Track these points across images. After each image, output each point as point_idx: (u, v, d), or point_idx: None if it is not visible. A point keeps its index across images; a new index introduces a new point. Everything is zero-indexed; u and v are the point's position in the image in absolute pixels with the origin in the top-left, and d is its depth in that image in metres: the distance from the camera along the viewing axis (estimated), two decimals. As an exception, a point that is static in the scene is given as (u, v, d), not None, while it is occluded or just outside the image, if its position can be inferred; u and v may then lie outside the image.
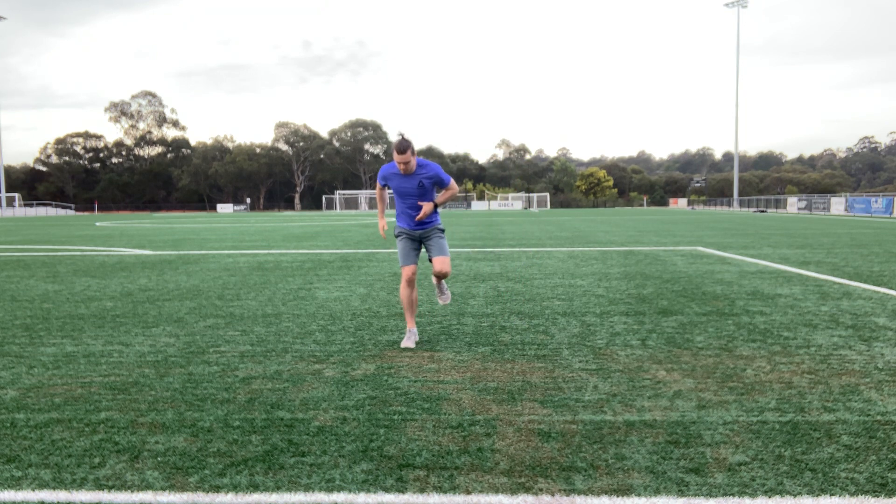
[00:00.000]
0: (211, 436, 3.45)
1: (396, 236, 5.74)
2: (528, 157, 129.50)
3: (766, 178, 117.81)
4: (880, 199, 42.96)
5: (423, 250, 5.79)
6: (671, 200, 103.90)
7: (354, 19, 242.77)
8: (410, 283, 5.61)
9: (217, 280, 9.86)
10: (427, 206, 5.48)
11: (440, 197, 5.63)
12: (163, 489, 2.85)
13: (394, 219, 5.85)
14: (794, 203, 56.86)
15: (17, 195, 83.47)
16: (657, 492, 2.79)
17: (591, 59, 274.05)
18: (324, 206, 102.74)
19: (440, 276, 5.71)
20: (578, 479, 2.91)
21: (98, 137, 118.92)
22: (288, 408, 3.89)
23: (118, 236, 23.25)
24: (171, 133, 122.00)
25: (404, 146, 5.32)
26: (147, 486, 2.88)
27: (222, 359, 5.06)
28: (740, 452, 3.18)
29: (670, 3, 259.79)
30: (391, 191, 5.66)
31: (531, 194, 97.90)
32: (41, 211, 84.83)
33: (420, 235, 5.68)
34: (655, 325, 6.23)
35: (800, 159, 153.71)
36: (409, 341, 5.52)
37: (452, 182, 5.62)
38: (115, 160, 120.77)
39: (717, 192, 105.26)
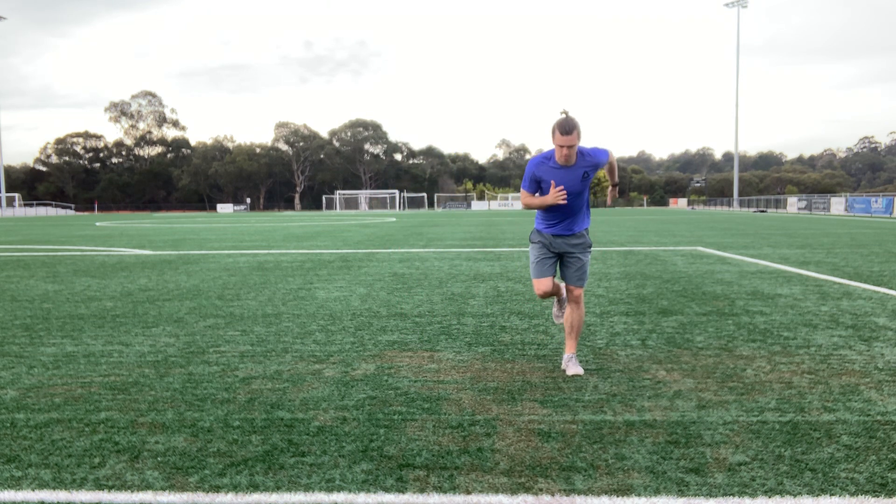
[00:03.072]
0: (211, 436, 3.45)
1: (532, 242, 4.72)
2: (528, 156, 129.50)
3: (766, 178, 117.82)
4: (880, 199, 42.96)
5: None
6: (671, 200, 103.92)
7: (356, 19, 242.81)
8: (545, 297, 4.67)
9: (217, 280, 9.86)
10: (613, 192, 4.82)
11: (616, 177, 4.84)
12: (163, 489, 2.85)
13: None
14: (794, 203, 56.85)
15: (17, 195, 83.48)
16: (657, 492, 2.79)
17: (590, 58, 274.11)
18: (324, 206, 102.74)
19: (574, 303, 4.68)
20: (578, 479, 2.91)
21: (98, 137, 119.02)
22: (288, 408, 3.89)
23: (118, 236, 23.25)
24: (171, 133, 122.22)
25: (570, 125, 4.19)
26: (147, 486, 2.88)
27: (222, 359, 5.06)
28: (740, 452, 3.18)
29: (670, 3, 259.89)
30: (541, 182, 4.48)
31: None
32: (41, 211, 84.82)
33: (562, 246, 4.59)
34: (655, 325, 6.22)
35: (800, 159, 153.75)
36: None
37: (611, 152, 4.54)
38: (115, 160, 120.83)
39: (717, 192, 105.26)
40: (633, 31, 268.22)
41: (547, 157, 4.43)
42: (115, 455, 3.21)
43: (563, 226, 4.56)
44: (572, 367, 4.58)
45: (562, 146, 4.25)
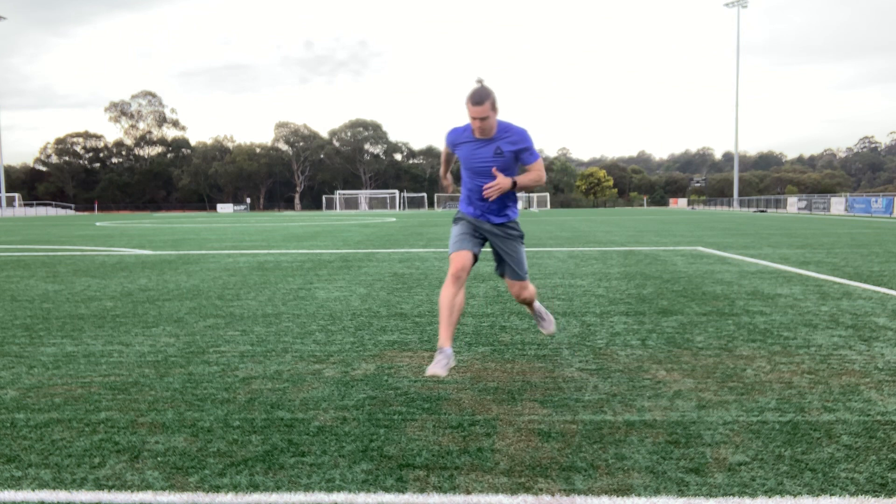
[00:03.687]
0: (211, 436, 3.45)
1: (455, 221, 4.42)
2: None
3: (766, 178, 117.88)
4: (880, 199, 42.97)
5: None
6: (671, 200, 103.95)
7: (356, 19, 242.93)
8: (457, 279, 4.08)
9: (217, 280, 9.86)
10: (503, 181, 3.94)
11: (522, 177, 4.04)
12: (163, 489, 2.85)
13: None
14: (794, 203, 56.85)
15: (17, 195, 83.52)
16: (657, 492, 2.79)
17: (591, 58, 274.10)
18: (324, 206, 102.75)
19: (522, 303, 4.59)
20: (578, 479, 2.91)
21: (98, 137, 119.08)
22: (288, 408, 3.89)
23: (118, 236, 23.24)
24: (171, 133, 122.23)
25: (482, 95, 3.85)
26: (147, 486, 2.87)
27: (222, 359, 5.06)
28: (740, 452, 3.18)
29: (670, 3, 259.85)
30: (458, 160, 4.32)
31: (531, 194, 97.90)
32: (41, 211, 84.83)
33: (489, 232, 4.32)
34: (655, 325, 6.22)
35: (800, 159, 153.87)
36: (437, 365, 3.95)
37: (540, 161, 4.08)
38: (115, 160, 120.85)
39: (717, 192, 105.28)
40: (634, 31, 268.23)
41: (466, 129, 4.17)
42: (115, 455, 3.21)
43: (484, 210, 4.29)
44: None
45: (474, 118, 3.94)
